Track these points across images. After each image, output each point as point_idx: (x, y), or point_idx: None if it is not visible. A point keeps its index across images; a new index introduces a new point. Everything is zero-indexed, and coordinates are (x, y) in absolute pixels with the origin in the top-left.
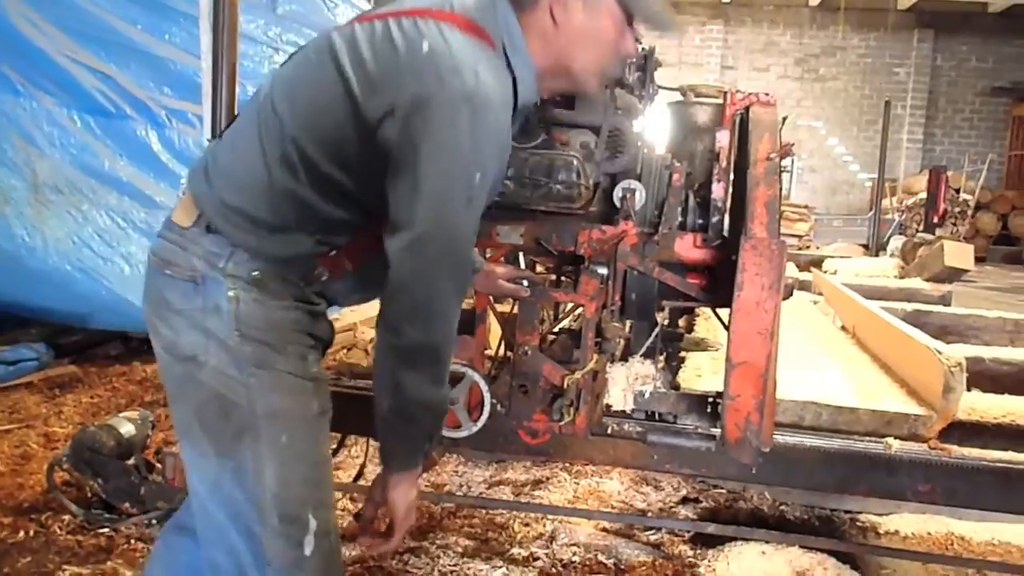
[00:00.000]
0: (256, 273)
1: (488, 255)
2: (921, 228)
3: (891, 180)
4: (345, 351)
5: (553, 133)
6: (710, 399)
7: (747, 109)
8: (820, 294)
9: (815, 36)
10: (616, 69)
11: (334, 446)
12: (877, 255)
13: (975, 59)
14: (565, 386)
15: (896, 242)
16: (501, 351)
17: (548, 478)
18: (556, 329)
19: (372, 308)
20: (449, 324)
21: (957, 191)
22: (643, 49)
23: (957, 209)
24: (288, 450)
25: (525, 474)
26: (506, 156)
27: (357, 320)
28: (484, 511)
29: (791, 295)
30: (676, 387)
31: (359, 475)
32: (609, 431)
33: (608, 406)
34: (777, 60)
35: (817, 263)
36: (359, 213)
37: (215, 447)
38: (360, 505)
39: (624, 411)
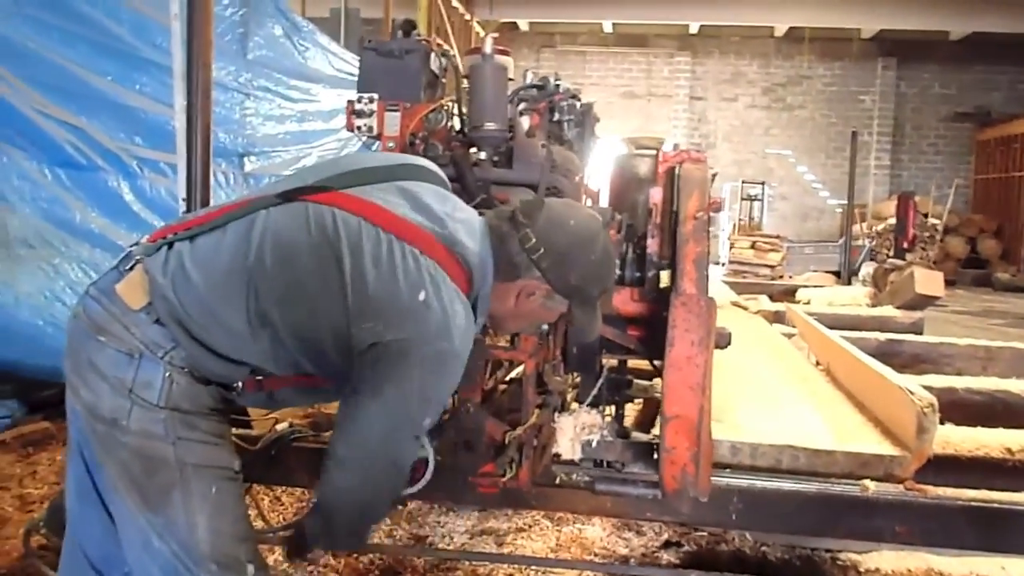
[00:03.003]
0: (186, 369)
1: None
2: (891, 254)
3: (860, 206)
4: None
5: (492, 192)
6: (655, 446)
7: (679, 165)
8: (795, 327)
9: (781, 66)
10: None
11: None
12: (849, 282)
13: (938, 86)
14: (506, 442)
15: (867, 268)
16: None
17: (530, 525)
18: (508, 378)
19: None
20: (375, 520)
21: (925, 216)
22: (582, 105)
23: (926, 234)
24: (218, 501)
25: (507, 522)
26: None
27: None
28: (468, 563)
29: (728, 344)
30: (625, 435)
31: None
32: (558, 481)
33: (557, 456)
34: (745, 90)
35: (790, 293)
36: (307, 375)
37: (142, 503)
38: None
39: (572, 460)
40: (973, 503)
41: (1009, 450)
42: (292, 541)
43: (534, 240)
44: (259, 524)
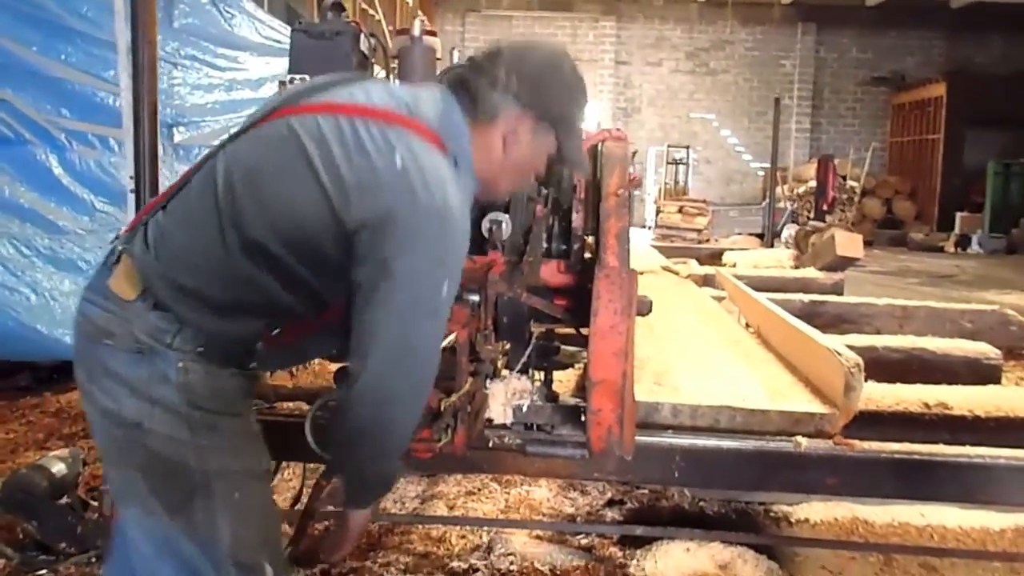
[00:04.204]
0: (201, 348)
1: None
2: (812, 216)
3: (782, 169)
4: (269, 374)
5: None
6: (583, 409)
7: (601, 143)
8: (724, 290)
9: (704, 31)
10: (528, 184)
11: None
12: (772, 245)
13: (855, 50)
14: (442, 409)
15: (789, 230)
16: None
17: (479, 489)
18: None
19: None
20: (409, 428)
21: (844, 178)
22: None
23: (845, 196)
24: (240, 504)
25: (457, 486)
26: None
27: None
28: (421, 527)
29: (650, 311)
30: (554, 399)
31: (296, 501)
32: (491, 444)
33: (490, 420)
34: (669, 54)
35: (717, 256)
36: (315, 304)
37: (165, 507)
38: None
39: (504, 424)
40: (895, 455)
41: (926, 404)
42: (333, 530)
43: (503, 73)
44: None
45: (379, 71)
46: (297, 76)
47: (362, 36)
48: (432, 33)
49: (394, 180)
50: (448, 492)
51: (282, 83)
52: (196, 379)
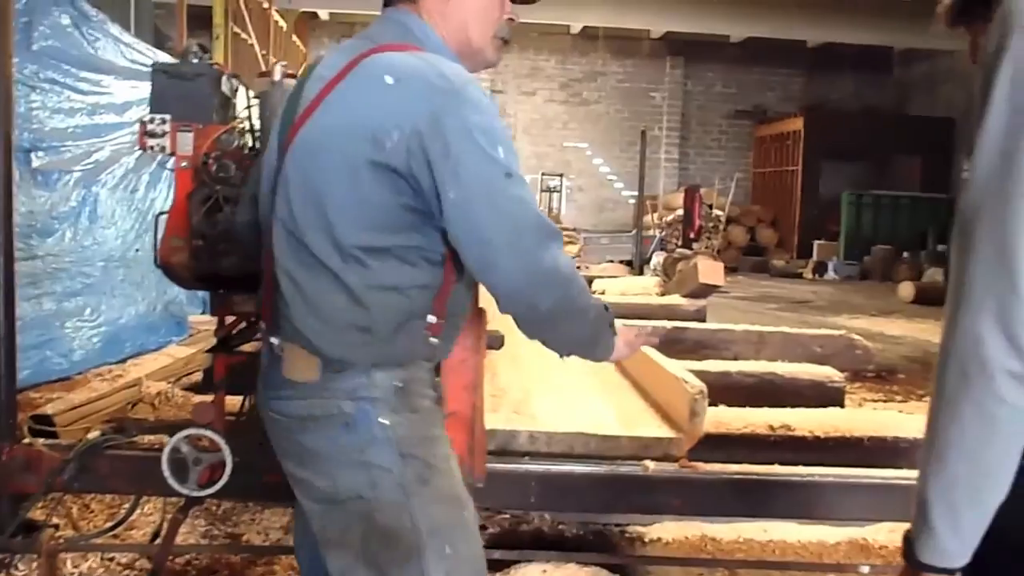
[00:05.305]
0: (398, 383)
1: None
2: (680, 243)
3: (651, 198)
4: (130, 407)
5: None
6: None
7: None
8: None
9: (577, 62)
10: (506, 31)
11: (126, 506)
12: (641, 272)
13: (720, 85)
14: None
15: (658, 257)
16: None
17: None
18: None
19: (154, 362)
20: (564, 277)
21: (710, 207)
22: None
23: (711, 224)
24: (453, 558)
25: None
26: None
27: (142, 375)
28: (284, 557)
29: (502, 345)
30: None
31: (155, 536)
32: None
33: None
34: (544, 84)
35: (587, 283)
36: (430, 268)
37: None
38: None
39: None
40: (735, 476)
41: (771, 426)
42: None
43: None
44: (69, 532)
45: (242, 111)
46: (158, 116)
47: (224, 78)
48: (293, 76)
49: (400, 94)
50: None
51: (142, 122)
52: (401, 431)
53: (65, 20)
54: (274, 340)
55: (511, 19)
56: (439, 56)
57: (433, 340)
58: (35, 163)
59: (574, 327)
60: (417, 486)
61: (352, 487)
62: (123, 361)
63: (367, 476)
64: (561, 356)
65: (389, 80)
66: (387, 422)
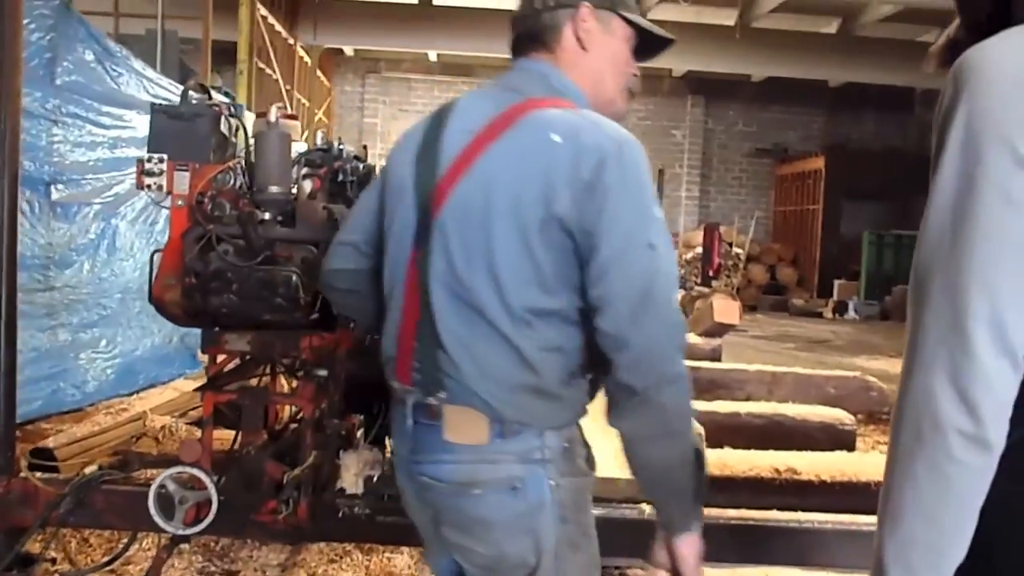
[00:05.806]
0: (565, 444)
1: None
2: (699, 281)
3: (673, 235)
4: (135, 440)
5: (276, 250)
6: None
7: None
8: None
9: None
10: (634, 83)
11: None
12: None
13: (742, 123)
14: (285, 482)
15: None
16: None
17: (341, 556)
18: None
19: (160, 396)
20: (681, 378)
21: (730, 245)
22: (364, 165)
23: (730, 262)
24: None
25: (319, 554)
26: None
27: (147, 408)
28: None
29: None
30: None
31: (150, 572)
32: (340, 514)
33: (342, 490)
34: None
35: None
36: (588, 328)
37: None
38: None
39: (356, 494)
40: (735, 521)
41: (777, 470)
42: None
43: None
44: (65, 567)
45: (240, 150)
46: (155, 155)
47: (223, 118)
48: (293, 117)
49: (566, 153)
50: (310, 560)
51: (140, 161)
52: (565, 494)
53: (89, 56)
54: (431, 401)
55: (634, 74)
56: (593, 112)
57: (587, 399)
58: (55, 195)
59: (674, 439)
60: (568, 551)
61: (519, 554)
62: (137, 392)
63: (533, 542)
64: (637, 466)
65: (556, 139)
66: (553, 483)
